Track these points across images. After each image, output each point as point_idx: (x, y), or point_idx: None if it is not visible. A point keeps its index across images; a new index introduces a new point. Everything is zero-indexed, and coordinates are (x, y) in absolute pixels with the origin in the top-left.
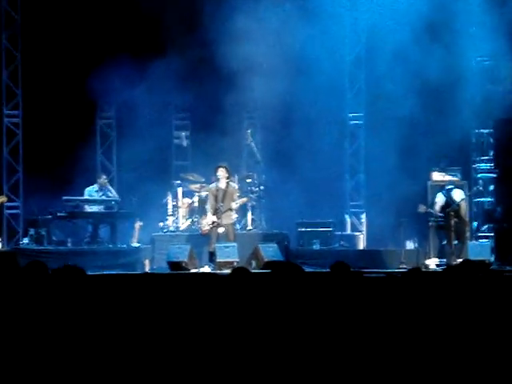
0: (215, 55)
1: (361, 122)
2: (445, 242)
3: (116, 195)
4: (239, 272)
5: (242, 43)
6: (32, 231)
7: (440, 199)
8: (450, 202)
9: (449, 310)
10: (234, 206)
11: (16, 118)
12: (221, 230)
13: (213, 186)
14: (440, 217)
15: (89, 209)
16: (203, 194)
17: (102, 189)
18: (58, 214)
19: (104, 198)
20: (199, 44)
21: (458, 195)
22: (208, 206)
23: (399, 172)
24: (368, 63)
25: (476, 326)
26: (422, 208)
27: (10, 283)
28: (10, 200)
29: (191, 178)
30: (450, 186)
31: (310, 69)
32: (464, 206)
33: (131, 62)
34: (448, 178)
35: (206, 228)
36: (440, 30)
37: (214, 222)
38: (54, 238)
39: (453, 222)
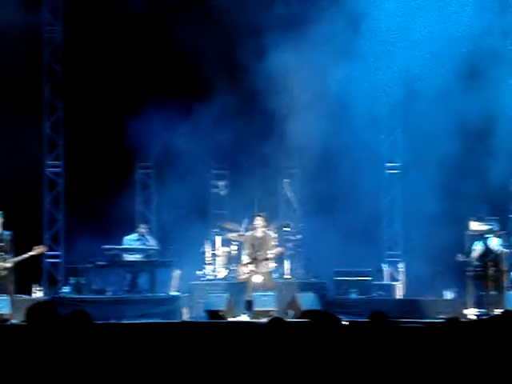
0: (255, 101)
1: (398, 172)
2: (483, 292)
3: (155, 244)
4: (276, 322)
5: (281, 89)
6: (72, 280)
7: (478, 248)
8: (488, 252)
9: (489, 361)
10: (270, 255)
11: (57, 168)
12: (258, 278)
13: (249, 234)
14: (478, 266)
15: (128, 257)
16: (241, 242)
17: (141, 238)
18: (98, 263)
19: (143, 246)
20: (239, 89)
21: (496, 244)
22: (244, 254)
23: (437, 220)
24: (406, 108)
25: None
26: (460, 257)
27: (48, 332)
28: (50, 249)
29: (229, 226)
30: (489, 235)
31: (348, 116)
32: (502, 256)
33: (170, 108)
34: (486, 227)
35: (242, 276)
36: (480, 73)
37: (251, 271)
38: (93, 287)
39: (491, 271)
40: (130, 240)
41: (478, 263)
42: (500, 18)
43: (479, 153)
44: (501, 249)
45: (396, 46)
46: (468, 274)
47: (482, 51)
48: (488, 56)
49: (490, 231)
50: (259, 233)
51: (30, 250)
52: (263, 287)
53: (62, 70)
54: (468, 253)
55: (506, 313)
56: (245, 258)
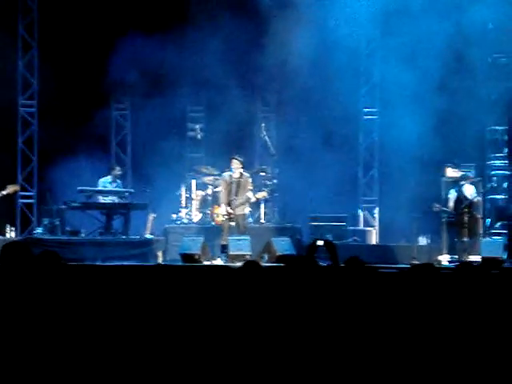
0: (233, 47)
1: (375, 118)
2: (457, 239)
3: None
4: (251, 265)
5: (260, 38)
6: (46, 221)
7: (453, 196)
8: (462, 199)
9: (460, 307)
10: (253, 198)
11: (31, 107)
12: (232, 222)
13: (226, 175)
14: (452, 213)
15: (103, 200)
16: (217, 185)
17: (115, 180)
18: (72, 205)
19: (118, 189)
20: (220, 36)
21: (470, 192)
22: (221, 197)
23: (413, 168)
24: (382, 58)
25: (487, 323)
26: (436, 207)
27: (22, 272)
28: (24, 189)
29: (205, 170)
30: (463, 183)
31: (325, 63)
32: (476, 203)
33: (145, 47)
34: (462, 174)
35: (219, 218)
36: (456, 22)
37: (228, 214)
38: (67, 229)
39: (465, 218)
40: (105, 182)
41: (452, 211)
42: None
43: (457, 98)
44: (475, 196)
45: None
46: (443, 220)
47: None
48: None
49: (464, 177)
50: (235, 175)
51: (3, 189)
52: (238, 231)
53: (37, 8)
54: (445, 200)
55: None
56: (222, 199)
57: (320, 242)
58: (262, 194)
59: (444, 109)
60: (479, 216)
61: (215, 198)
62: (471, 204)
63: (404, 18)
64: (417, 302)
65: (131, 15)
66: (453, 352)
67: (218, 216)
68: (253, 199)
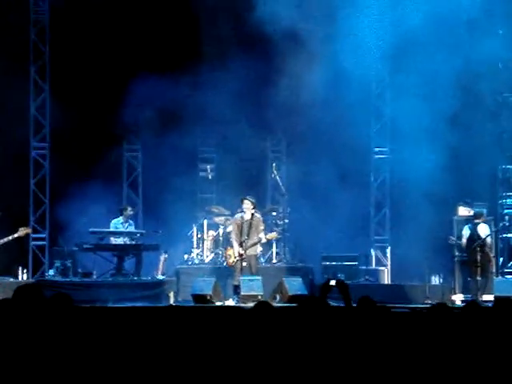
0: (245, 85)
1: (386, 156)
2: (470, 278)
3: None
4: (263, 306)
5: (271, 75)
6: (58, 263)
7: (466, 233)
8: (475, 237)
9: (476, 347)
10: (264, 239)
11: (43, 150)
12: (245, 263)
13: (238, 217)
14: (465, 251)
15: (114, 241)
16: (228, 226)
17: (127, 221)
18: (84, 246)
19: (129, 230)
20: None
21: (483, 230)
22: (233, 238)
23: (425, 206)
24: (393, 96)
25: (504, 363)
26: (451, 239)
27: (34, 315)
28: (36, 231)
29: (216, 210)
30: (478, 221)
31: (336, 102)
32: (489, 242)
33: (159, 83)
34: (476, 211)
35: (232, 260)
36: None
37: (240, 255)
38: (79, 270)
39: (478, 257)
40: (117, 223)
41: (464, 248)
42: None
43: (468, 134)
44: (488, 235)
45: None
46: (455, 259)
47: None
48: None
49: (477, 214)
50: (247, 216)
51: (14, 232)
52: (250, 272)
53: (48, 51)
54: (459, 237)
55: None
56: (234, 241)
57: (333, 282)
58: (272, 235)
59: (455, 146)
60: (492, 255)
61: (226, 238)
62: (484, 243)
63: (414, 54)
64: (430, 342)
65: (143, 55)
66: None
67: (230, 257)
68: (264, 240)
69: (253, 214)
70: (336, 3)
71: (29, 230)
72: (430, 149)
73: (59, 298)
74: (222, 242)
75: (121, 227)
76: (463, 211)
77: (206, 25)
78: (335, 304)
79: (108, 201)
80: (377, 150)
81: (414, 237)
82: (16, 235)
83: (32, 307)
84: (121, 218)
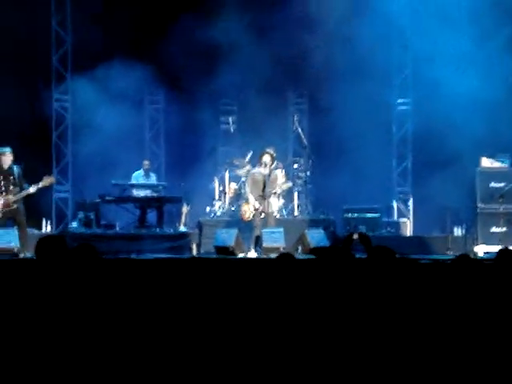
0: (265, 39)
1: (408, 108)
2: (494, 229)
3: (156, 180)
4: (285, 257)
5: (294, 30)
6: (81, 215)
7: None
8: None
9: (498, 299)
10: (279, 191)
11: (65, 102)
12: (262, 216)
13: (255, 171)
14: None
15: (136, 193)
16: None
17: (148, 173)
18: (107, 198)
19: (151, 182)
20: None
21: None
22: (248, 192)
23: (448, 157)
24: (415, 48)
25: None
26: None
27: (58, 266)
28: (59, 183)
29: (237, 162)
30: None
31: (358, 54)
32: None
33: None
34: (497, 164)
35: (247, 215)
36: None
37: (256, 209)
38: (102, 222)
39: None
40: (137, 176)
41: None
42: None
43: (490, 88)
44: (510, 185)
45: None
46: (477, 211)
47: None
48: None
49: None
50: (267, 170)
51: (39, 182)
52: (266, 225)
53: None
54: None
55: (503, 251)
56: (250, 196)
57: (355, 236)
58: (286, 185)
59: (478, 96)
60: None
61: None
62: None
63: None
64: (452, 293)
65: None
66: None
67: (245, 213)
68: (278, 191)
69: (271, 170)
70: None
71: (53, 179)
72: (453, 100)
73: (84, 248)
74: (244, 194)
75: (141, 179)
76: (486, 163)
77: None
78: (358, 255)
79: (130, 153)
80: (400, 101)
81: (436, 189)
82: (41, 185)
83: (55, 258)
84: (141, 171)
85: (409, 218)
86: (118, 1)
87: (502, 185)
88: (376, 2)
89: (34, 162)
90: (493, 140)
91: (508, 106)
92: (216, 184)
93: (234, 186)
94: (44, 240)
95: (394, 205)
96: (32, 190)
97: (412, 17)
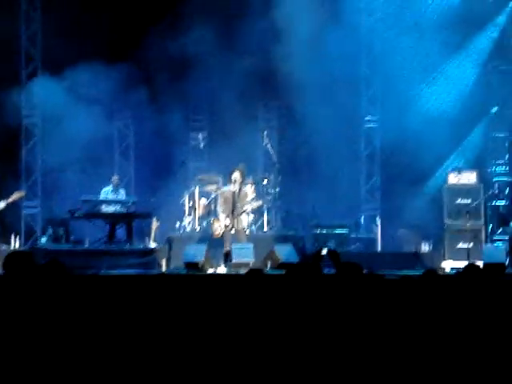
0: (234, 57)
1: (376, 125)
2: (460, 245)
3: (125, 196)
4: (254, 273)
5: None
6: (50, 230)
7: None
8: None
9: (465, 313)
10: (249, 209)
11: (34, 118)
12: (232, 233)
13: (225, 189)
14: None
15: (106, 209)
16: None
17: (117, 189)
18: (76, 214)
19: (120, 198)
20: (218, 46)
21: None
22: (219, 209)
23: (415, 173)
24: (383, 65)
25: (492, 328)
26: None
27: (27, 282)
28: (28, 199)
29: (205, 178)
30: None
31: (326, 71)
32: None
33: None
34: (464, 180)
35: (217, 231)
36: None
37: (226, 226)
38: (71, 238)
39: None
40: (106, 192)
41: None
42: None
43: (457, 111)
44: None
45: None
46: (444, 227)
47: None
48: None
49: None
50: (236, 186)
51: (8, 197)
52: (237, 242)
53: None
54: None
55: (471, 266)
56: (220, 213)
57: (324, 251)
58: (257, 204)
59: (447, 113)
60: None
61: (216, 208)
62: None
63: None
64: (420, 308)
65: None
66: (455, 359)
67: (216, 230)
68: (248, 209)
69: (241, 187)
70: None
71: (22, 193)
72: (419, 116)
73: (53, 264)
74: (214, 211)
75: (110, 195)
76: (453, 179)
77: None
78: (327, 271)
79: (100, 169)
80: (367, 118)
81: (404, 205)
82: (10, 200)
83: (23, 274)
84: (110, 187)
85: (377, 234)
86: (84, 20)
87: (468, 201)
88: (345, 17)
89: (2, 177)
90: (461, 155)
91: (473, 121)
92: (186, 199)
93: (203, 201)
94: (11, 256)
95: (362, 221)
96: (1, 204)
97: (381, 32)
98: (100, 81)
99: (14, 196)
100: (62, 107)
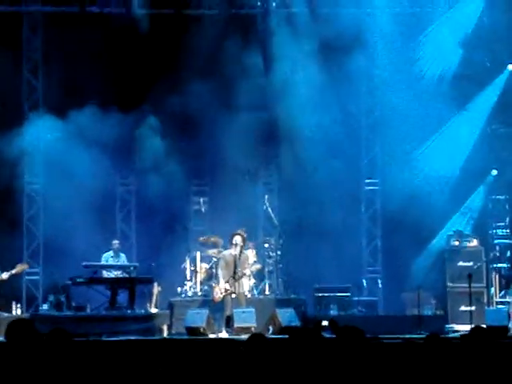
0: (233, 119)
1: (377, 188)
2: (463, 307)
3: (125, 260)
4: (256, 338)
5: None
6: (51, 297)
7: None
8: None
9: (470, 378)
10: (248, 272)
11: (37, 184)
12: (233, 297)
13: (226, 253)
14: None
15: (107, 274)
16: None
17: (118, 254)
18: (78, 280)
19: (121, 263)
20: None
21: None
22: (220, 273)
23: (416, 236)
24: (383, 128)
25: None
26: None
27: (29, 349)
28: (29, 266)
29: (208, 240)
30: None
31: (327, 132)
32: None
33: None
34: (465, 243)
35: (218, 296)
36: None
37: (226, 290)
38: (73, 304)
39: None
40: (107, 257)
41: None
42: None
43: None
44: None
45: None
46: (447, 290)
47: None
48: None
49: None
50: (237, 250)
51: (12, 268)
52: (238, 306)
53: None
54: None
55: (477, 329)
56: (221, 278)
57: (325, 323)
58: (255, 267)
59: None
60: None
61: (217, 272)
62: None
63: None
64: (424, 372)
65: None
66: None
67: (216, 294)
68: (248, 273)
69: (241, 251)
70: None
71: (26, 266)
72: (419, 177)
73: (57, 333)
74: (215, 275)
75: (111, 260)
76: (455, 242)
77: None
78: (327, 335)
79: (102, 235)
80: (368, 181)
81: (407, 267)
82: (14, 271)
83: (25, 341)
84: (111, 252)
85: (379, 297)
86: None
87: (470, 264)
88: (345, 79)
89: (3, 244)
90: (462, 217)
91: (474, 182)
92: (187, 264)
93: (205, 266)
94: (13, 323)
95: (364, 284)
96: (4, 276)
97: (381, 94)
98: (101, 156)
99: (18, 268)
100: (64, 173)
